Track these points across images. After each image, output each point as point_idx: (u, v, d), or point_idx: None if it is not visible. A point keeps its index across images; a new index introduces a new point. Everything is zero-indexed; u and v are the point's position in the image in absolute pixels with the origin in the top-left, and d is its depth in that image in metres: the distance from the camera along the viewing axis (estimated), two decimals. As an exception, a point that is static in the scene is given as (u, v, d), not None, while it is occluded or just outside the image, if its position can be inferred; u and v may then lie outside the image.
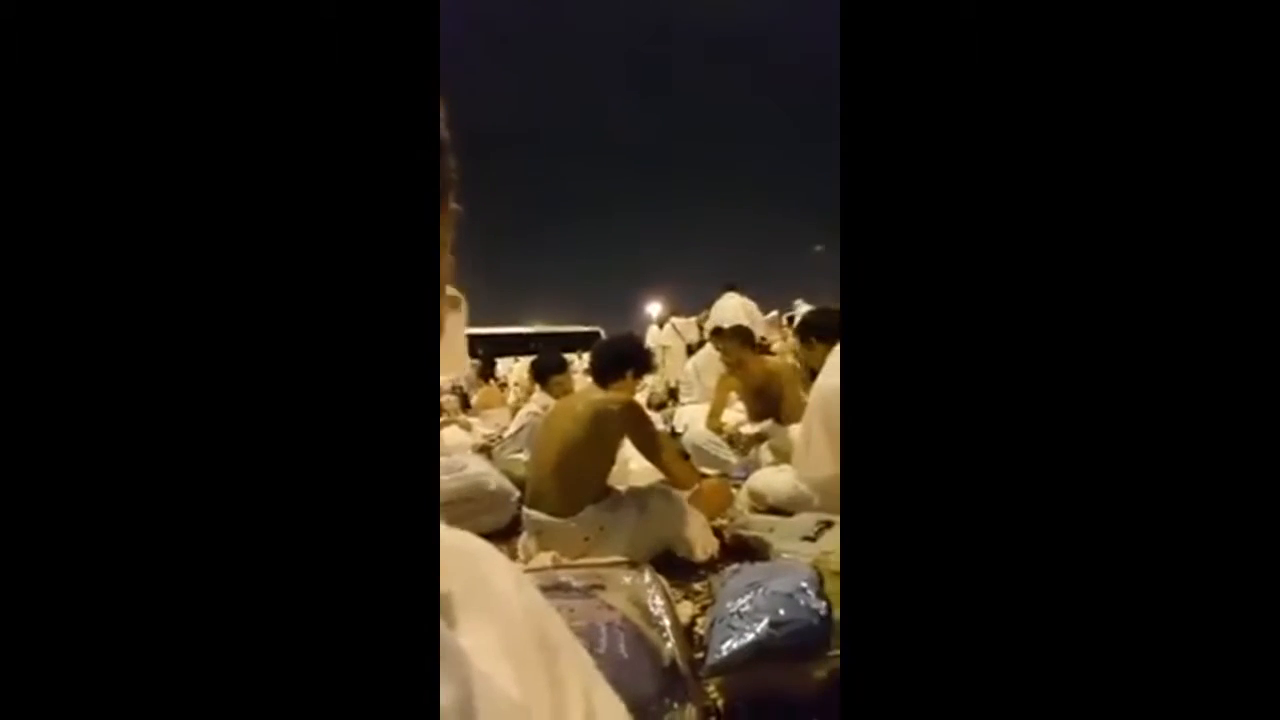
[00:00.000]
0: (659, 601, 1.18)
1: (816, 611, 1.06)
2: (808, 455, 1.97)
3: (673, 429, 3.40)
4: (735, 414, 3.10)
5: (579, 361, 5.21)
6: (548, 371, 3.25)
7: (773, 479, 2.19)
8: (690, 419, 3.34)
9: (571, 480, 1.80)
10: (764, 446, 2.70)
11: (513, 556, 1.77)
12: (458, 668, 0.23)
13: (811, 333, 2.31)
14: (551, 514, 1.79)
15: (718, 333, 3.49)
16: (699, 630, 1.33)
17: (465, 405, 5.37)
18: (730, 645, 1.05)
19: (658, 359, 5.25)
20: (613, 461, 1.93)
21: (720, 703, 1.11)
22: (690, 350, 5.41)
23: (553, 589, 1.16)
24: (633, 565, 1.31)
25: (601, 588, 1.18)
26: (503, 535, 2.10)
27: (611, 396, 1.91)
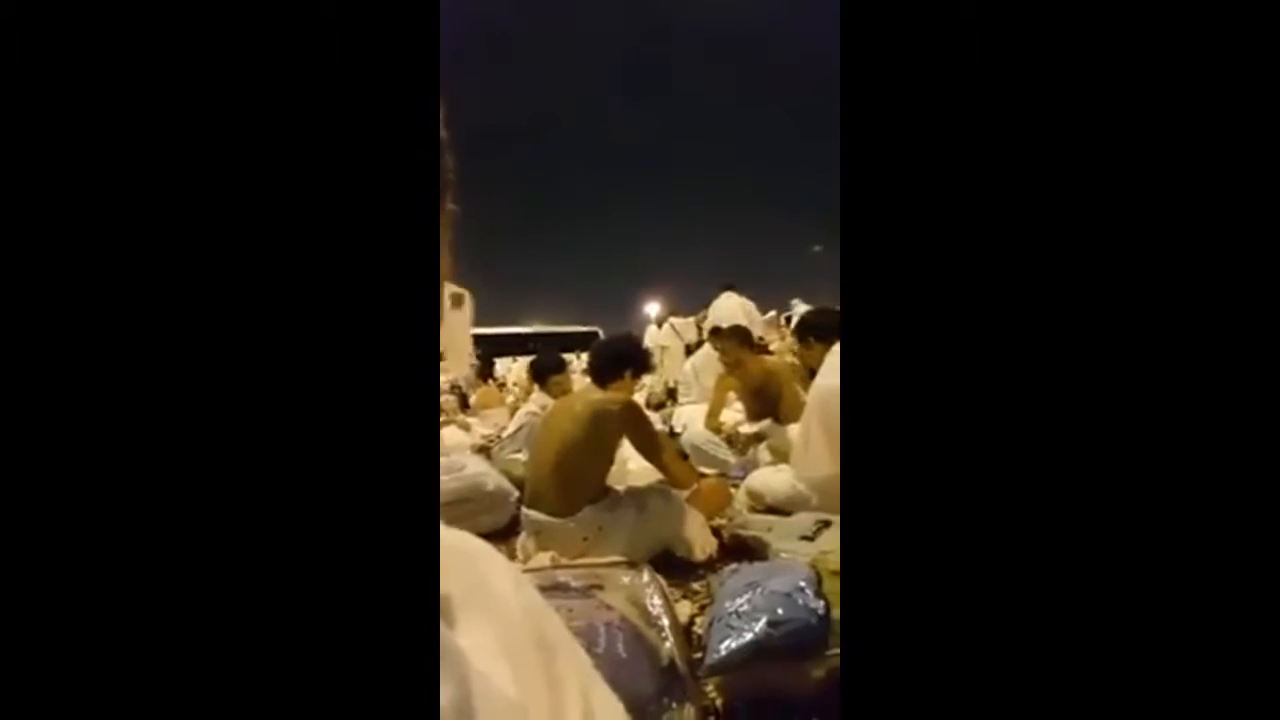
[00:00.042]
0: (657, 601, 1.18)
1: (815, 611, 1.06)
2: (806, 455, 1.97)
3: (671, 429, 3.41)
4: (734, 414, 3.10)
5: (577, 361, 5.21)
6: (546, 371, 3.25)
7: (771, 479, 2.19)
8: (689, 419, 3.34)
9: (570, 480, 1.80)
10: (762, 446, 2.70)
11: (511, 556, 1.77)
12: (456, 667, 0.23)
13: (810, 332, 2.31)
14: (550, 514, 1.79)
15: (716, 333, 3.48)
16: (697, 630, 1.33)
17: (464, 405, 5.36)
18: (729, 645, 1.05)
19: (656, 359, 5.26)
20: (611, 461, 1.93)
21: (719, 702, 1.10)
22: (689, 350, 5.40)
23: (551, 589, 1.16)
24: (631, 565, 1.31)
25: (600, 587, 1.18)
26: (501, 535, 2.09)
27: (610, 396, 1.90)
